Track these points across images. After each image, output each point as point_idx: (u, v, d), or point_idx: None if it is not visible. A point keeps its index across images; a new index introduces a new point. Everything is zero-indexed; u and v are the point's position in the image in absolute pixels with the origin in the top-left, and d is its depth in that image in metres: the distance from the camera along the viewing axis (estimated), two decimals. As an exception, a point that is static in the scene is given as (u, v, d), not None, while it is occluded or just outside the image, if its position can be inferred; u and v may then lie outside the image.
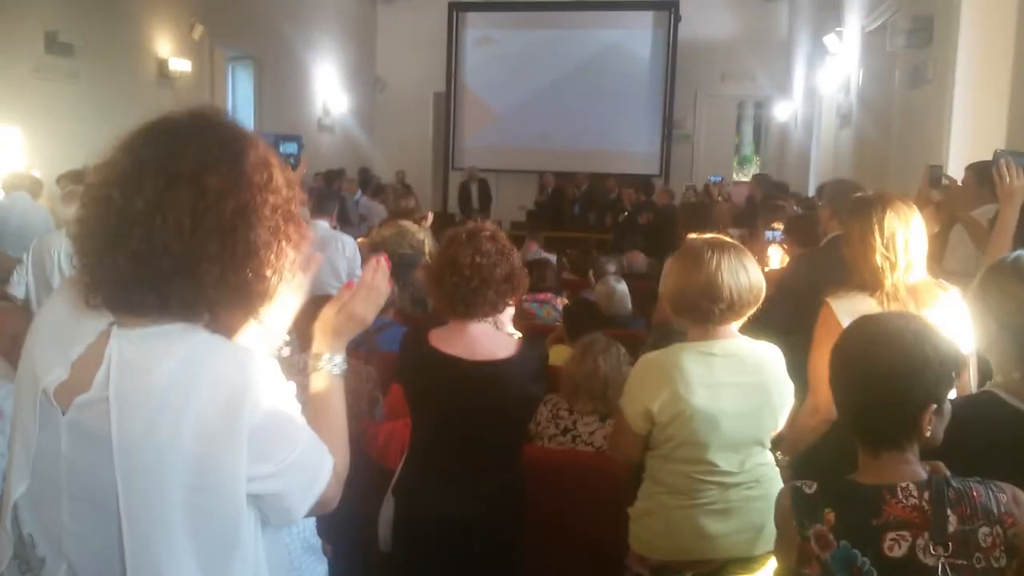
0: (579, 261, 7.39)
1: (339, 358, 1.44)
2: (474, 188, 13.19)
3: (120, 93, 8.86)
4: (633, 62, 14.13)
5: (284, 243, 1.22)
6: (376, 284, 1.47)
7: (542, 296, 5.23)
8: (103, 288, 1.16)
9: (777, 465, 2.33)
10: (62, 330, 1.23)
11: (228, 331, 1.23)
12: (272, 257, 1.20)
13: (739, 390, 2.20)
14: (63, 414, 1.17)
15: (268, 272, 1.20)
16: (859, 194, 2.76)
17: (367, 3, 15.48)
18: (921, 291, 2.39)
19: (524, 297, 4.70)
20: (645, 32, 14.12)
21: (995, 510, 1.44)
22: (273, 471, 1.20)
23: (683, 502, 2.24)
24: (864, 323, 1.63)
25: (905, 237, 2.37)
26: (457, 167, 14.73)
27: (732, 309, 2.18)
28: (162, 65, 9.66)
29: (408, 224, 5.94)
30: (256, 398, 1.17)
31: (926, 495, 1.46)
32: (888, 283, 2.37)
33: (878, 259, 2.37)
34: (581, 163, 13.62)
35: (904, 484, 1.48)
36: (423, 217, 6.41)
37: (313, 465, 1.28)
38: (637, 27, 14.14)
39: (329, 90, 14.04)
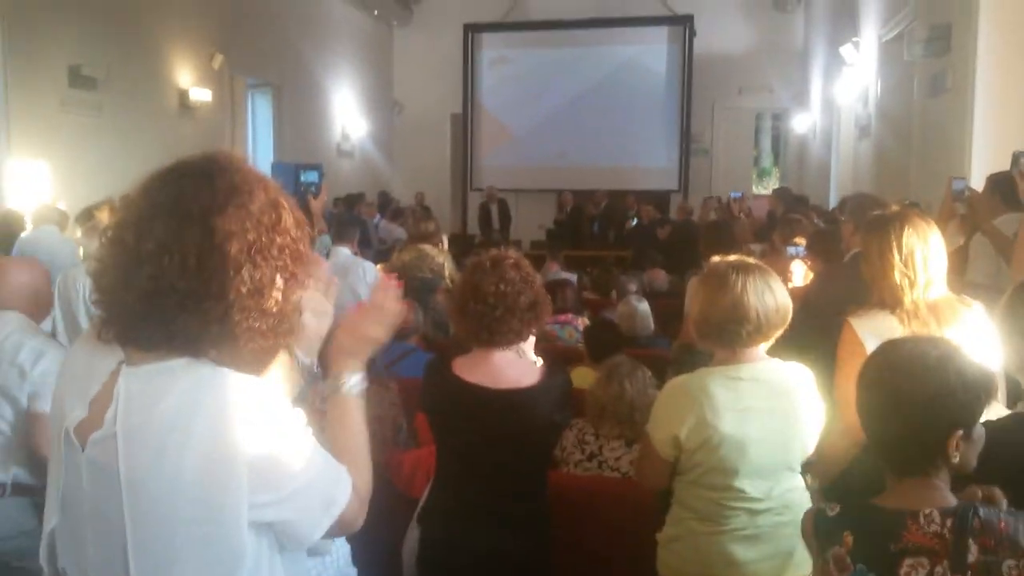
0: (600, 280, 7.36)
1: (356, 379, 1.48)
2: (494, 208, 13.22)
3: (143, 124, 9.01)
4: (649, 77, 14.15)
5: (291, 283, 1.26)
6: (385, 304, 1.51)
7: (563, 317, 5.22)
8: (115, 324, 1.22)
9: (808, 490, 2.30)
10: (82, 369, 1.29)
11: (246, 365, 1.25)
12: (278, 295, 1.24)
13: (767, 415, 2.17)
14: (83, 451, 1.23)
15: (274, 310, 1.24)
16: (877, 211, 2.73)
17: (383, 27, 15.63)
18: (942, 308, 2.37)
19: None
20: (660, 47, 14.14)
21: (1022, 541, 1.41)
22: (277, 499, 1.23)
23: (712, 528, 2.22)
24: (887, 349, 1.61)
25: (924, 254, 2.35)
26: (476, 188, 14.79)
27: (760, 331, 2.16)
28: (183, 95, 9.80)
29: (428, 248, 5.95)
30: (254, 428, 1.19)
31: (949, 523, 1.43)
32: (908, 300, 2.35)
33: (897, 276, 2.35)
34: (599, 180, 13.61)
35: (927, 511, 1.45)
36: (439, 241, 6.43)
37: (327, 488, 1.31)
38: (652, 42, 14.16)
39: (347, 115, 14.17)
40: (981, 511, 1.44)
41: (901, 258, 2.35)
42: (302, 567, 1.41)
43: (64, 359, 1.37)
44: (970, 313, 2.37)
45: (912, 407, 1.48)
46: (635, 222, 11.96)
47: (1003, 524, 1.42)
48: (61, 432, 1.26)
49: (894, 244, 2.36)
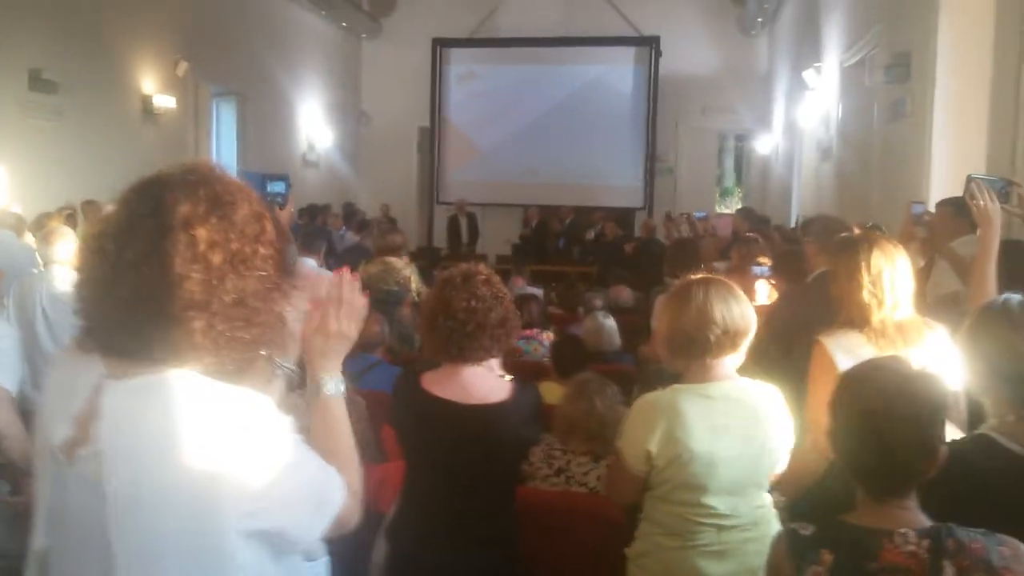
0: (566, 296, 7.39)
1: (335, 379, 1.47)
2: (463, 222, 13.23)
3: (105, 129, 8.88)
4: (615, 97, 14.30)
5: (275, 293, 1.26)
6: (347, 297, 1.48)
7: (529, 332, 5.22)
8: (96, 334, 1.21)
9: (775, 507, 2.32)
10: (65, 385, 1.27)
11: (229, 374, 1.24)
12: (262, 306, 1.23)
13: (737, 433, 2.19)
14: (70, 467, 1.21)
15: (258, 320, 1.23)
16: (845, 234, 2.80)
17: (352, 39, 15.60)
18: (908, 328, 2.44)
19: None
20: (627, 67, 14.31)
21: (995, 563, 1.43)
22: (267, 506, 1.22)
23: (679, 543, 2.23)
24: (860, 375, 1.62)
25: (891, 275, 2.43)
26: (442, 201, 14.79)
27: (727, 336, 2.20)
28: (146, 101, 9.69)
29: (394, 260, 5.93)
30: (240, 437, 1.19)
31: (925, 543, 1.46)
32: (876, 319, 2.42)
33: (865, 296, 2.42)
34: (566, 197, 13.70)
35: (902, 530, 1.48)
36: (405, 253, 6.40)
37: (319, 490, 1.31)
38: (619, 62, 14.33)
39: (314, 125, 14.11)
40: (955, 532, 1.47)
41: (870, 278, 2.42)
42: (300, 573, 1.40)
43: (50, 377, 1.34)
44: (934, 335, 2.44)
45: (897, 433, 1.50)
46: (594, 234, 12.07)
47: (976, 545, 1.45)
48: (47, 450, 1.24)
49: (863, 265, 2.43)
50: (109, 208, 1.26)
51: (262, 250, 1.23)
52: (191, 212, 1.18)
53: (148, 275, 1.15)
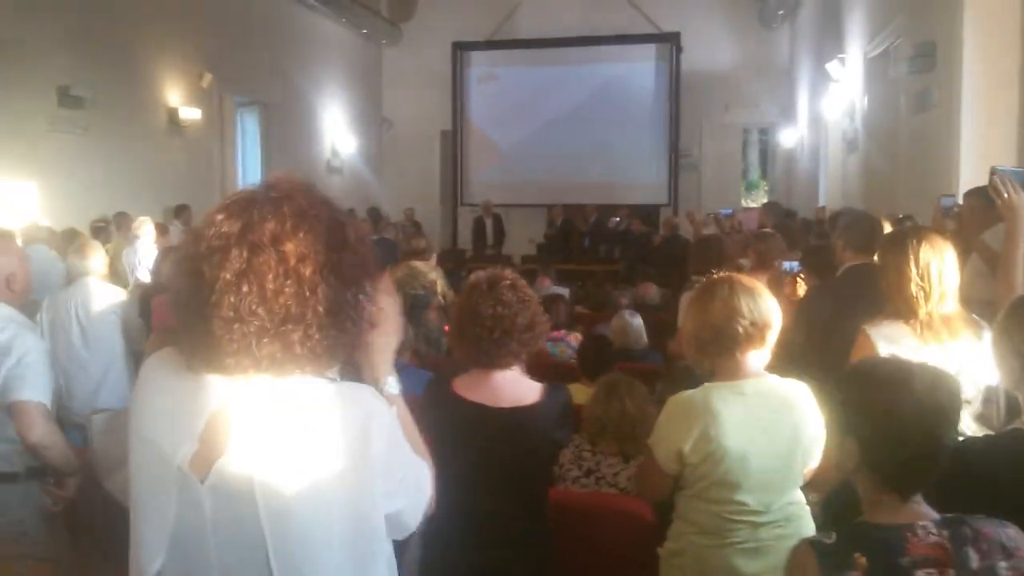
0: (592, 295, 7.39)
1: (392, 379, 1.53)
2: (489, 223, 13.24)
3: (131, 143, 9.02)
4: (638, 94, 14.26)
5: (362, 297, 1.31)
6: (390, 309, 1.53)
7: (556, 334, 5.22)
8: (202, 353, 1.25)
9: (808, 505, 2.32)
10: (176, 404, 1.30)
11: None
12: (352, 312, 1.29)
13: (771, 430, 2.20)
14: (202, 483, 1.25)
15: (350, 326, 1.29)
16: (894, 227, 2.84)
17: (372, 46, 15.70)
18: (954, 321, 2.48)
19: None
20: (648, 65, 14.26)
21: (1008, 544, 1.49)
22: (396, 489, 1.33)
23: (714, 542, 2.24)
24: (888, 374, 1.62)
25: (939, 268, 2.47)
26: (466, 203, 14.82)
27: (756, 328, 2.21)
28: (172, 114, 9.83)
29: (419, 264, 5.97)
30: (379, 426, 1.29)
31: (945, 533, 1.50)
32: (922, 312, 2.47)
33: (913, 289, 2.47)
34: (590, 195, 13.69)
35: (922, 523, 1.51)
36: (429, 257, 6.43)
37: (421, 477, 1.42)
38: (640, 60, 14.29)
39: (337, 132, 14.22)
40: (968, 520, 1.51)
41: (918, 272, 2.47)
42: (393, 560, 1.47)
43: (140, 398, 1.37)
44: (979, 330, 2.49)
45: (922, 432, 1.52)
46: (617, 221, 12.09)
47: (988, 530, 1.50)
48: (169, 472, 1.26)
49: (911, 258, 2.47)
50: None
51: (347, 257, 1.28)
52: (279, 229, 1.23)
53: (247, 294, 1.20)
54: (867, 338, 2.48)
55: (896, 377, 1.58)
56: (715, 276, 2.34)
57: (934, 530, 1.49)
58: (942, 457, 1.53)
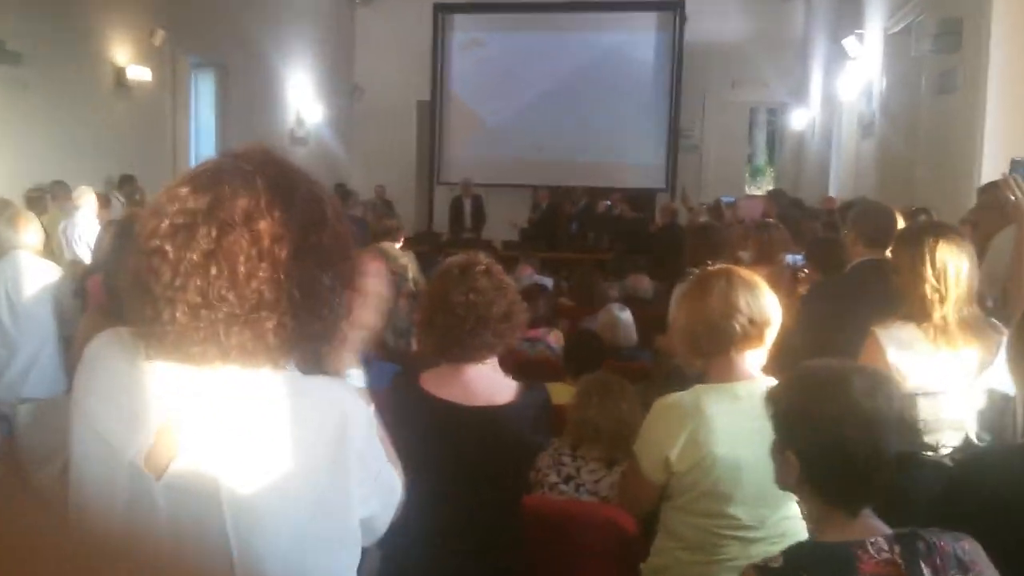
0: (579, 286, 7.39)
1: (356, 372, 1.55)
2: (467, 204, 13.21)
3: (75, 103, 8.91)
4: (635, 67, 14.25)
5: (339, 281, 1.28)
6: (375, 289, 1.56)
7: (534, 334, 5.18)
8: (163, 341, 1.22)
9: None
10: (129, 393, 1.27)
11: (307, 368, 1.32)
12: (331, 298, 1.27)
13: (765, 437, 2.20)
14: (157, 480, 1.23)
15: (327, 314, 1.26)
16: (911, 222, 2.85)
17: (344, 5, 15.59)
18: (972, 326, 2.50)
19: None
20: (648, 35, 14.25)
21: (963, 558, 1.52)
22: (370, 492, 1.33)
23: (701, 558, 2.24)
24: (823, 379, 1.66)
25: (957, 269, 2.48)
26: (443, 181, 14.78)
27: (754, 326, 2.22)
28: (120, 73, 9.71)
29: (389, 247, 5.95)
30: (356, 424, 1.28)
31: (896, 549, 1.53)
32: (937, 315, 2.48)
33: (928, 290, 2.48)
34: (579, 177, 13.69)
35: (872, 539, 1.55)
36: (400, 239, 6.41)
37: (393, 477, 1.43)
38: (639, 29, 14.27)
39: (303, 99, 14.12)
40: (922, 534, 1.55)
41: (934, 272, 2.48)
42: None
43: (85, 384, 1.34)
44: (999, 336, 2.49)
45: (862, 441, 1.57)
46: (608, 206, 12.17)
47: (943, 544, 1.54)
48: (119, 466, 1.24)
49: (927, 257, 2.49)
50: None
51: (325, 238, 1.26)
52: (251, 205, 1.20)
53: (216, 277, 1.17)
54: (875, 341, 2.50)
55: (831, 383, 1.62)
56: (712, 268, 2.35)
57: (885, 546, 1.53)
58: (886, 468, 1.58)
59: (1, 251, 4.57)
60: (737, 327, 2.20)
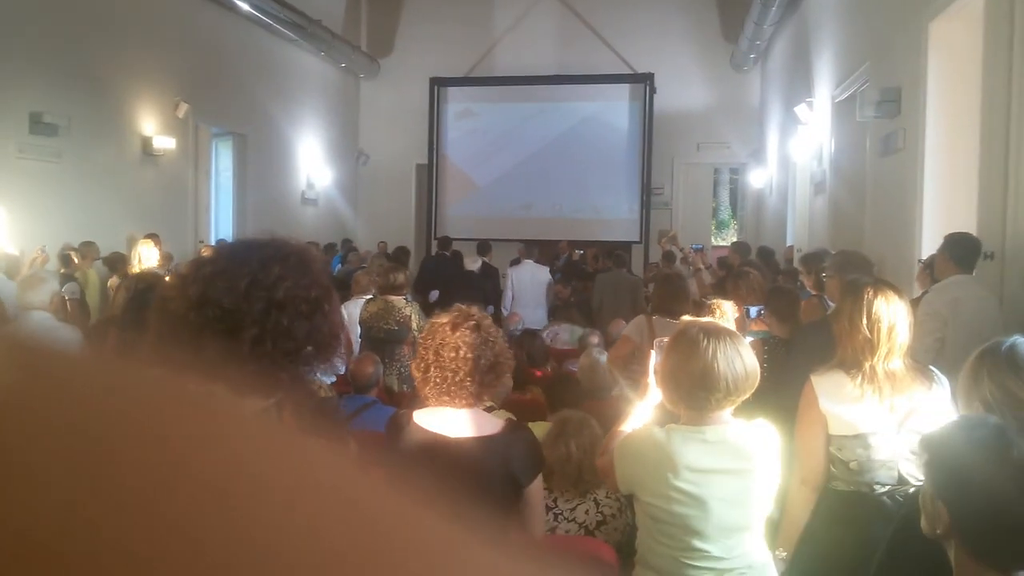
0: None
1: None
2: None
3: (104, 170, 8.91)
4: (611, 133, 14.36)
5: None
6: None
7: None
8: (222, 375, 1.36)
9: (776, 560, 2.28)
10: None
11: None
12: (306, 328, 1.42)
13: (729, 476, 2.15)
14: None
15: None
16: (854, 276, 2.85)
17: (350, 79, 15.73)
18: (899, 378, 2.45)
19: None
20: (622, 104, 14.39)
21: None
22: None
23: (675, 587, 2.18)
24: (983, 437, 1.50)
25: (891, 324, 2.43)
26: (440, 237, 14.77)
27: (728, 398, 2.15)
28: (146, 143, 9.73)
29: (395, 299, 5.91)
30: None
31: None
32: (867, 365, 2.44)
33: (861, 340, 2.44)
34: (563, 231, 13.70)
35: None
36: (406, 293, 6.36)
37: None
38: (614, 99, 14.42)
39: (313, 163, 14.17)
40: None
41: (868, 324, 2.43)
42: None
43: None
44: (926, 387, 2.45)
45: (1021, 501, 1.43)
46: (582, 255, 12.19)
47: None
48: None
49: (864, 309, 2.44)
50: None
51: (316, 292, 1.44)
52: (281, 272, 1.39)
53: (272, 324, 1.36)
54: (811, 387, 2.47)
55: (991, 440, 1.47)
56: (699, 323, 2.26)
57: None
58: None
59: (17, 312, 4.39)
60: (712, 401, 2.14)
